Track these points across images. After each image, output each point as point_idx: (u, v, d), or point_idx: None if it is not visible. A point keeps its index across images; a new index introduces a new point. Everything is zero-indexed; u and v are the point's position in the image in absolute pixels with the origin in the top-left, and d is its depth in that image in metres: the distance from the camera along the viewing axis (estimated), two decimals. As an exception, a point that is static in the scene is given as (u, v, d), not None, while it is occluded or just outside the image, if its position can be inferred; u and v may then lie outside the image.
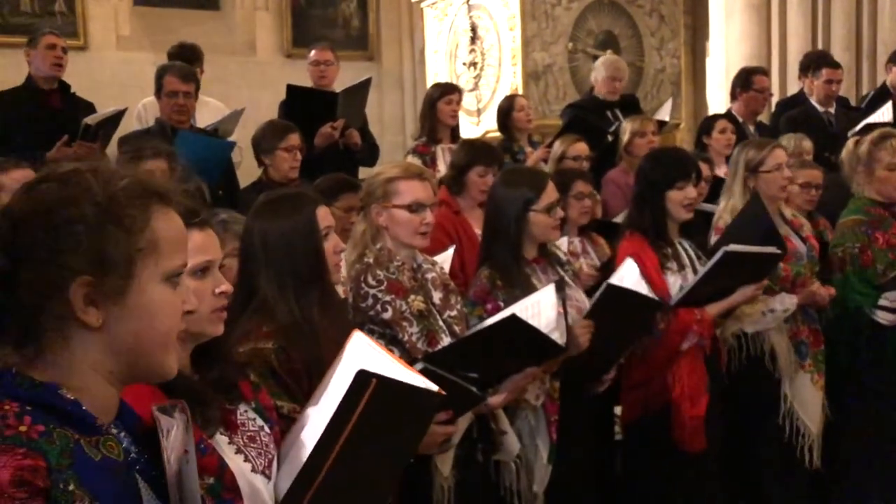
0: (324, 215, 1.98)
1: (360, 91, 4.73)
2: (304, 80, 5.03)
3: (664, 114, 5.16)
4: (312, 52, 5.05)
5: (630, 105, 5.11)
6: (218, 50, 6.94)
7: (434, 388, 1.45)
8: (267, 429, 1.55)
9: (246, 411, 1.52)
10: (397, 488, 1.64)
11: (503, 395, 2.41)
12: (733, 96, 5.21)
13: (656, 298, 2.72)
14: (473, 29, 6.11)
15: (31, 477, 0.88)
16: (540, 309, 2.39)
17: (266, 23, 7.97)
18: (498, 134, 4.96)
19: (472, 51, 6.14)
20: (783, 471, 3.13)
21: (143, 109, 4.91)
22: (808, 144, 4.20)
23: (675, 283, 2.89)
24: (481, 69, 6.10)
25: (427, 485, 2.34)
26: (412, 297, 2.32)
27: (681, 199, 2.93)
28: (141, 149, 2.86)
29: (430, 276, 2.44)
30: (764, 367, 3.09)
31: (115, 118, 4.17)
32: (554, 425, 2.63)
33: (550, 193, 2.68)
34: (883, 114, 4.63)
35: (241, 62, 7.61)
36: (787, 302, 3.08)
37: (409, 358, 2.20)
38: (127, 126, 4.48)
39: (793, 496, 3.18)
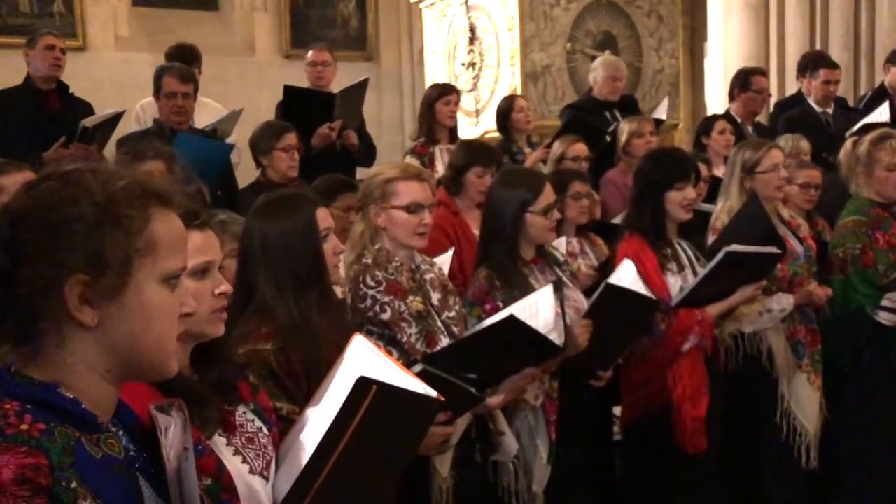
0: (323, 216, 1.99)
1: (357, 92, 4.73)
2: (303, 80, 5.03)
3: (661, 112, 5.17)
4: (310, 53, 5.05)
5: (629, 105, 5.12)
6: (216, 50, 6.94)
7: (433, 393, 1.46)
8: (265, 430, 1.55)
9: (244, 413, 1.53)
10: (396, 489, 1.65)
11: (502, 396, 2.41)
12: (731, 97, 5.22)
13: (654, 298, 2.73)
14: (472, 29, 6.12)
15: (34, 475, 0.88)
16: (538, 309, 2.40)
17: (265, 23, 7.97)
18: (497, 134, 4.96)
19: (471, 51, 6.15)
20: (782, 471, 3.14)
21: (141, 110, 4.91)
22: (805, 145, 4.21)
23: (675, 284, 2.90)
24: (480, 70, 6.10)
25: (426, 485, 2.34)
26: (411, 297, 2.33)
27: (680, 200, 2.94)
28: (141, 150, 2.86)
29: (428, 276, 2.44)
30: (761, 367, 3.09)
31: (113, 120, 4.17)
32: (553, 425, 2.63)
33: (547, 195, 2.69)
34: (880, 114, 4.64)
35: (239, 63, 7.61)
36: (783, 302, 3.08)
37: (408, 358, 2.21)
38: (125, 127, 4.48)
39: (792, 497, 3.18)
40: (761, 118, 5.44)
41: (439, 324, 2.37)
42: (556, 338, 2.39)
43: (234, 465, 1.42)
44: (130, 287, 0.98)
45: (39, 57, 4.45)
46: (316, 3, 8.08)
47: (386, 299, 2.29)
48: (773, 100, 5.82)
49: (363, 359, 1.63)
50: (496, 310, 2.53)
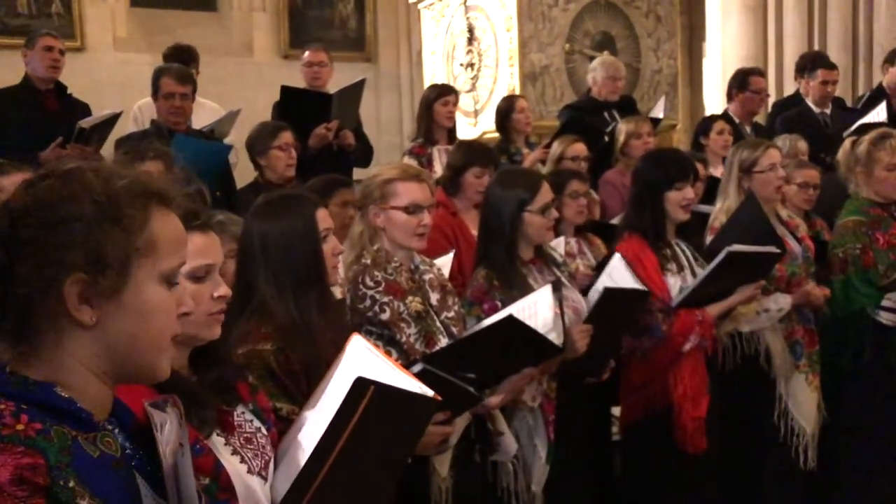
0: (323, 217, 1.99)
1: (354, 92, 4.73)
2: (301, 81, 5.03)
3: (659, 111, 5.18)
4: (306, 53, 5.05)
5: (627, 106, 5.12)
6: (215, 51, 6.94)
7: (430, 393, 1.46)
8: (264, 430, 1.55)
9: (243, 413, 1.53)
10: (395, 489, 1.65)
11: (501, 396, 2.41)
12: (730, 97, 5.22)
13: (644, 289, 2.73)
14: (470, 30, 6.12)
15: (31, 475, 0.87)
16: (537, 309, 2.40)
17: (263, 24, 7.97)
18: (495, 135, 4.97)
19: (470, 52, 6.15)
20: (781, 471, 3.14)
21: (138, 111, 4.91)
22: (803, 145, 4.21)
23: (675, 285, 2.90)
24: (478, 70, 6.10)
25: (425, 485, 2.35)
26: (410, 298, 2.33)
27: (679, 200, 2.94)
28: (141, 149, 2.86)
29: (427, 277, 2.44)
30: (759, 367, 3.09)
31: (110, 121, 4.17)
32: (551, 425, 2.64)
33: (545, 194, 2.69)
34: (878, 114, 4.64)
35: (238, 63, 7.61)
36: (781, 302, 3.08)
37: (407, 359, 2.21)
38: (122, 127, 4.48)
39: (791, 497, 3.18)
40: (759, 118, 5.45)
41: (438, 324, 2.37)
42: (555, 338, 2.39)
43: (233, 465, 1.42)
44: (130, 286, 0.98)
45: (37, 58, 4.45)
46: (314, 4, 8.09)
47: (385, 299, 2.29)
48: (772, 100, 5.83)
49: (361, 359, 1.63)
50: (495, 309, 2.54)
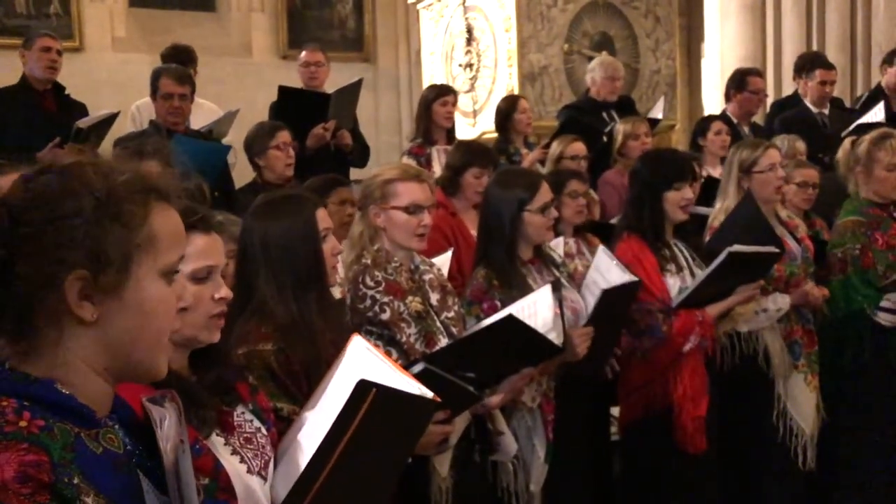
0: (323, 217, 1.99)
1: (351, 92, 4.73)
2: (299, 81, 5.03)
3: (658, 112, 5.18)
4: (303, 54, 5.05)
5: (626, 106, 5.13)
6: (213, 51, 6.94)
7: (429, 394, 1.48)
8: (264, 430, 1.55)
9: (243, 413, 1.52)
10: (395, 490, 1.65)
11: (501, 396, 2.41)
12: (728, 97, 5.22)
13: (635, 278, 2.73)
14: (469, 30, 6.12)
15: (36, 472, 0.87)
16: (536, 309, 2.40)
17: (261, 24, 7.97)
18: (494, 135, 4.97)
19: (468, 52, 6.15)
20: (780, 471, 3.14)
21: (136, 111, 4.91)
22: (801, 145, 4.22)
23: (675, 285, 2.90)
24: (477, 71, 6.11)
25: (425, 485, 2.35)
26: (410, 298, 2.33)
27: (678, 200, 2.94)
28: (140, 145, 2.85)
29: (427, 277, 2.45)
30: (758, 367, 3.09)
31: (108, 121, 4.17)
32: (550, 425, 2.64)
33: (544, 194, 2.70)
34: (875, 114, 4.65)
35: (236, 63, 7.61)
36: (779, 301, 3.08)
37: (407, 359, 2.21)
38: (121, 127, 4.47)
39: (790, 498, 3.18)
40: (758, 119, 5.45)
41: (438, 324, 2.37)
42: (555, 337, 2.40)
43: (232, 465, 1.42)
44: (131, 283, 0.97)
45: (35, 58, 4.45)
46: (313, 4, 8.08)
47: (385, 299, 2.29)
48: (770, 100, 5.83)
49: (362, 360, 1.63)
50: (494, 309, 2.54)
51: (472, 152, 3.58)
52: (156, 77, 4.10)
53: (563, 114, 5.07)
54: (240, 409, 1.52)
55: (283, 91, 4.64)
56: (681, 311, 2.87)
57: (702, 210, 3.42)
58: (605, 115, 4.93)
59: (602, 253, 2.80)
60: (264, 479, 1.51)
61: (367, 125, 5.21)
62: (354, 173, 4.69)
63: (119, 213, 0.96)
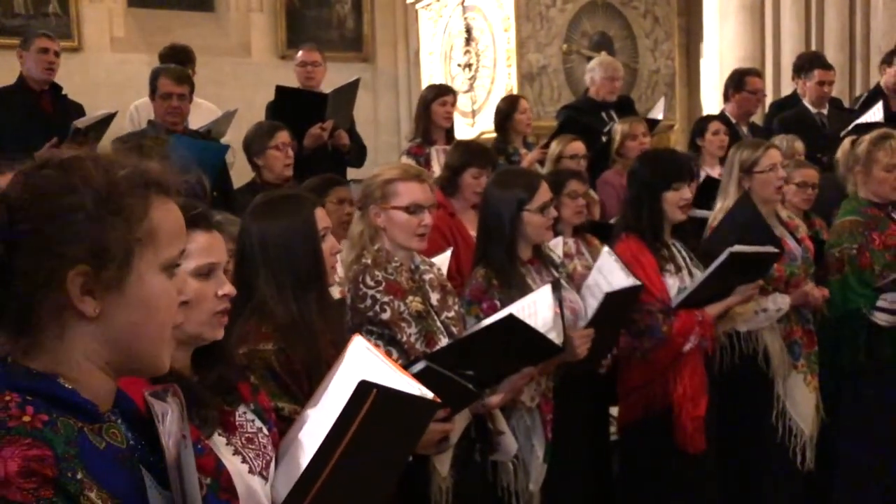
0: (322, 216, 1.99)
1: (348, 92, 4.72)
2: (297, 81, 5.03)
3: (658, 112, 5.18)
4: (299, 53, 5.05)
5: (625, 106, 5.13)
6: (212, 51, 6.94)
7: (430, 394, 1.48)
8: (265, 430, 1.55)
9: (245, 413, 1.53)
10: (395, 489, 1.65)
11: (501, 396, 2.41)
12: (726, 97, 5.22)
13: (638, 282, 2.74)
14: (468, 30, 6.12)
15: (39, 467, 0.86)
16: (537, 309, 2.40)
17: (260, 24, 7.97)
18: (493, 135, 4.97)
19: (467, 52, 6.15)
20: (779, 472, 3.14)
21: (135, 111, 4.90)
22: (799, 145, 4.22)
23: (674, 285, 2.90)
24: (476, 71, 6.11)
25: (425, 485, 2.35)
26: (410, 297, 2.33)
27: (677, 201, 2.94)
28: (142, 140, 2.85)
29: (427, 277, 2.45)
30: (757, 367, 3.09)
31: (105, 121, 4.17)
32: (549, 424, 2.64)
33: (543, 193, 2.70)
34: (874, 114, 4.65)
35: (235, 63, 7.61)
36: (779, 302, 3.08)
37: (408, 358, 2.21)
38: (119, 128, 4.47)
39: (790, 498, 3.18)
40: (756, 119, 5.45)
41: (438, 324, 2.37)
42: (555, 337, 2.40)
43: (234, 465, 1.42)
44: (133, 277, 0.97)
45: (32, 60, 4.45)
46: (312, 4, 8.08)
47: (386, 299, 2.29)
48: (769, 100, 5.83)
49: (362, 360, 1.63)
50: (493, 308, 2.54)
51: (471, 152, 3.58)
52: (154, 77, 4.10)
53: (562, 114, 5.08)
54: (241, 408, 1.52)
55: (281, 91, 4.63)
56: (680, 311, 2.87)
57: (700, 213, 3.41)
58: (604, 115, 4.93)
59: (607, 255, 2.79)
60: (265, 479, 1.51)
61: (366, 125, 5.21)
62: (351, 173, 4.69)
63: (120, 208, 0.96)
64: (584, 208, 3.37)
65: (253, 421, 1.53)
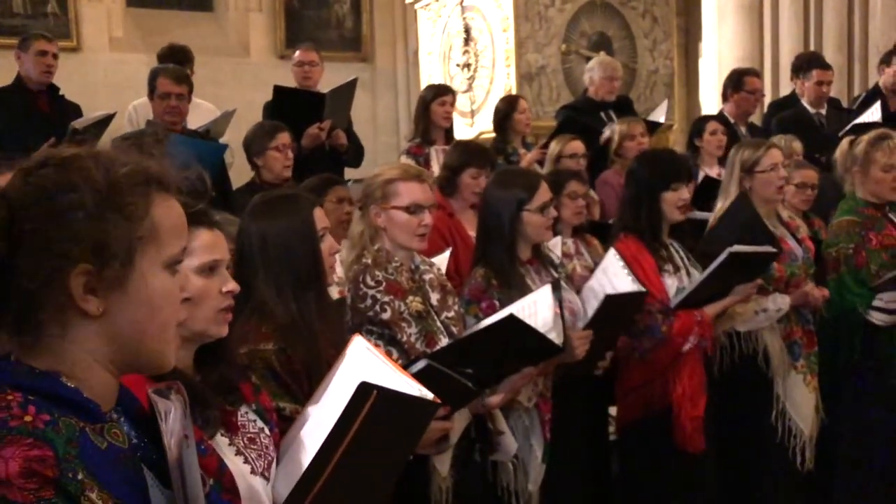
0: (320, 216, 1.99)
1: (346, 92, 4.72)
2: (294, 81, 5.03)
3: (660, 115, 5.17)
4: (297, 53, 5.05)
5: (624, 106, 5.13)
6: (211, 51, 6.94)
7: (430, 395, 1.48)
8: (267, 431, 1.55)
9: (246, 413, 1.53)
10: (395, 489, 1.65)
11: (501, 396, 2.42)
12: (725, 97, 5.23)
13: (642, 289, 2.74)
14: (467, 30, 6.12)
15: (40, 467, 0.86)
16: (536, 309, 2.40)
17: (259, 24, 7.97)
18: (492, 135, 4.97)
19: (466, 52, 6.15)
20: (779, 472, 3.14)
21: (133, 111, 4.90)
22: (798, 146, 4.22)
23: (672, 285, 2.91)
24: (475, 71, 6.11)
25: (425, 485, 2.35)
26: (410, 297, 2.33)
27: (675, 201, 2.95)
28: (141, 138, 2.85)
29: (427, 277, 2.45)
30: (757, 367, 3.10)
31: (104, 122, 4.16)
32: (547, 424, 2.64)
33: (543, 193, 2.70)
34: (872, 113, 4.65)
35: (234, 63, 7.60)
36: (779, 302, 3.08)
37: (408, 358, 2.21)
38: (118, 128, 4.47)
39: (789, 498, 3.18)
40: (755, 119, 5.46)
41: (438, 324, 2.37)
42: (555, 337, 2.40)
43: (236, 466, 1.42)
44: (135, 275, 0.96)
45: (31, 62, 4.46)
46: (310, 4, 8.08)
47: (386, 299, 2.29)
48: (768, 100, 5.84)
49: (363, 360, 1.63)
50: (493, 308, 2.54)
51: (470, 152, 3.58)
52: (153, 77, 4.10)
53: (561, 114, 5.08)
54: (243, 409, 1.52)
55: (278, 91, 4.63)
56: (679, 311, 2.87)
57: (699, 215, 3.41)
58: (602, 114, 4.93)
59: (613, 258, 2.79)
60: (267, 479, 1.52)
61: (365, 125, 5.21)
62: (349, 173, 4.69)
63: (121, 206, 0.95)
64: (583, 209, 3.38)
65: (255, 421, 1.53)
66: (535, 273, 2.73)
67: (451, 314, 2.44)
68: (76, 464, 0.89)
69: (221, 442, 1.44)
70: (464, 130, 5.84)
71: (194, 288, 1.43)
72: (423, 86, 5.66)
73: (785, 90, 6.00)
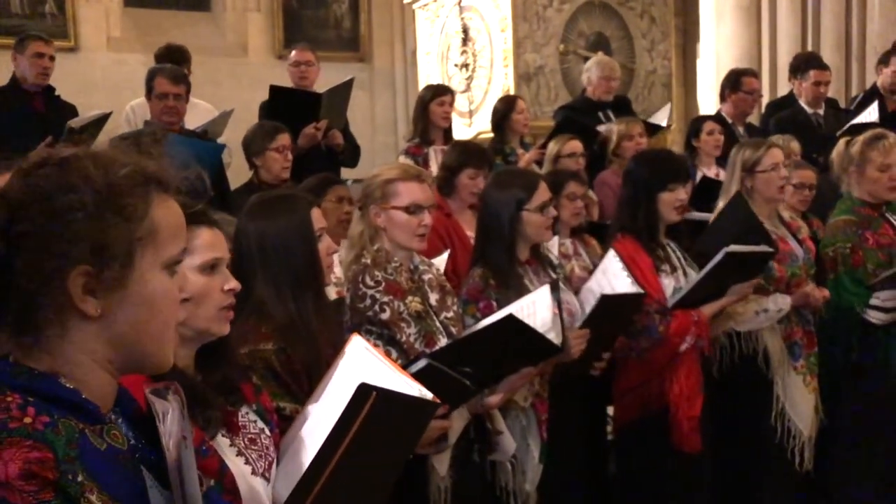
0: (318, 217, 1.99)
1: (342, 91, 4.72)
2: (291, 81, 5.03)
3: (662, 118, 5.16)
4: (293, 53, 5.04)
5: (622, 106, 5.13)
6: (209, 51, 6.94)
7: (429, 395, 1.48)
8: (268, 431, 1.55)
9: (247, 413, 1.53)
10: (394, 489, 1.65)
11: (500, 396, 2.42)
12: (722, 98, 5.23)
13: (640, 291, 2.74)
14: (465, 30, 6.13)
15: (40, 469, 0.86)
16: (535, 309, 2.41)
17: (257, 24, 7.97)
18: (490, 135, 4.97)
19: (464, 52, 6.16)
20: (778, 472, 3.14)
21: (131, 111, 4.89)
22: (795, 146, 4.22)
23: (669, 286, 2.91)
24: (473, 71, 6.11)
25: (424, 485, 2.35)
26: (410, 298, 2.33)
27: (672, 201, 2.95)
28: (139, 138, 2.85)
29: (427, 277, 2.45)
30: (756, 367, 3.10)
31: (100, 121, 4.16)
32: (544, 424, 2.64)
33: (542, 192, 2.70)
34: (869, 114, 4.66)
35: (232, 63, 7.60)
36: (780, 302, 3.08)
37: (407, 358, 2.21)
38: (115, 127, 4.47)
39: (788, 499, 3.18)
40: (753, 119, 5.46)
41: (437, 324, 2.37)
42: (554, 337, 2.40)
43: (237, 466, 1.42)
44: (134, 276, 0.96)
45: (27, 64, 4.45)
46: (309, 4, 8.08)
47: (385, 299, 2.29)
48: (765, 101, 5.84)
49: (362, 360, 1.64)
50: (490, 308, 2.54)
51: (468, 153, 3.58)
52: (151, 77, 4.09)
53: (560, 114, 5.08)
54: (244, 409, 1.52)
55: (275, 90, 4.63)
56: (677, 311, 2.87)
57: (698, 216, 3.42)
58: (601, 114, 4.93)
59: (614, 259, 2.79)
60: (268, 480, 1.52)
61: (363, 125, 5.21)
62: (345, 173, 4.69)
63: (120, 207, 0.95)
64: (582, 210, 3.38)
65: (255, 422, 1.53)
66: (533, 274, 2.73)
67: (451, 314, 2.44)
68: (76, 465, 0.89)
69: (222, 442, 1.44)
70: (462, 130, 5.84)
71: (196, 286, 1.43)
72: (421, 86, 5.67)
73: (782, 90, 6.01)
